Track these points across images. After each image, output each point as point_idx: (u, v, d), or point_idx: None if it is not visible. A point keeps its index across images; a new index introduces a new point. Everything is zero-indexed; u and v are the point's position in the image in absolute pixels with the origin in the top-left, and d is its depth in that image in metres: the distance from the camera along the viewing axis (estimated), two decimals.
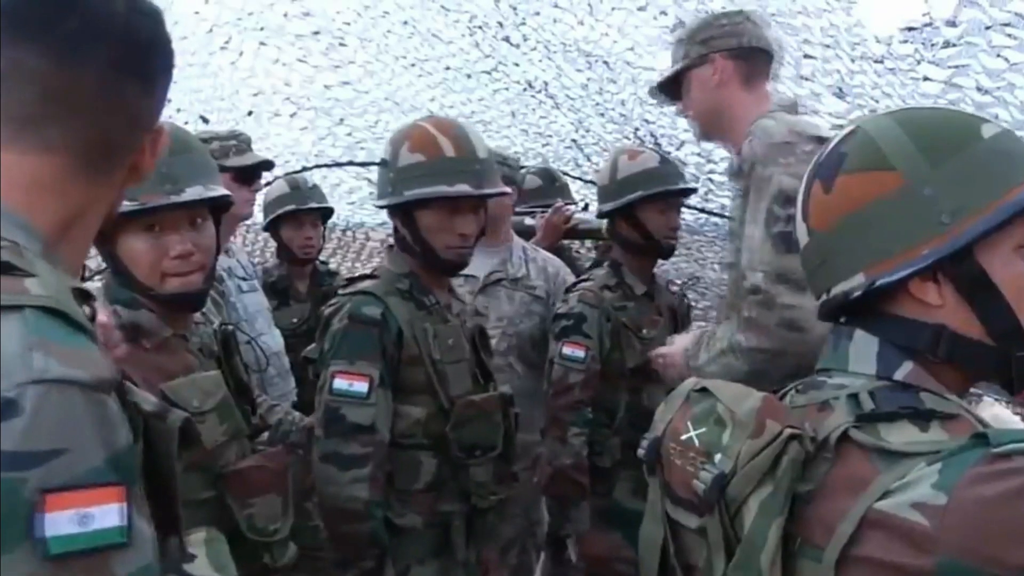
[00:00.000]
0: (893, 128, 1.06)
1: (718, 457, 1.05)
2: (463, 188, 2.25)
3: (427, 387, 2.25)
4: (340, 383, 2.16)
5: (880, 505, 0.93)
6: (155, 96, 0.95)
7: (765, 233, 2.08)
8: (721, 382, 1.15)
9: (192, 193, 1.78)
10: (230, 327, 2.05)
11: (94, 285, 1.90)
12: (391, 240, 2.48)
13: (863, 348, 1.08)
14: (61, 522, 0.70)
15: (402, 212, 2.31)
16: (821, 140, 2.04)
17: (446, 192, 2.24)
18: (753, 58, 2.32)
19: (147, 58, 0.93)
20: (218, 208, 1.91)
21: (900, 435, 0.97)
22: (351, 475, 2.12)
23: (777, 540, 0.98)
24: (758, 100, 2.28)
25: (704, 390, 1.14)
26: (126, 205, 1.67)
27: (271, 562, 1.83)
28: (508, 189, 2.60)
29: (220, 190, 1.86)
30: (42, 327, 0.75)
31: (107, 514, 0.73)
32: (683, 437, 1.11)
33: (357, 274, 2.42)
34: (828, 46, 3.72)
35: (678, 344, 2.38)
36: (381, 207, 2.40)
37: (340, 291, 2.35)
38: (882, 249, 1.04)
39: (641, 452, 1.20)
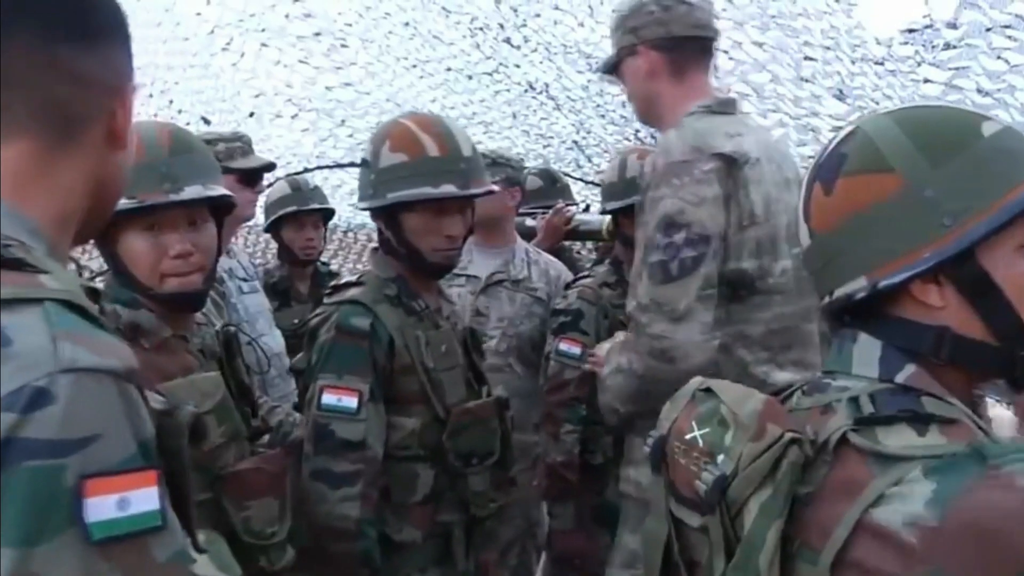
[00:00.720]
0: (892, 129, 1.05)
1: (720, 458, 1.05)
2: (449, 189, 2.13)
3: (421, 397, 2.15)
4: (328, 398, 2.07)
5: (875, 514, 0.94)
6: (101, 54, 0.90)
7: (643, 261, 2.04)
8: (725, 383, 1.15)
9: (191, 192, 1.76)
10: (232, 328, 2.02)
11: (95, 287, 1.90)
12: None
13: (866, 351, 1.08)
14: (102, 507, 0.70)
15: (386, 214, 2.19)
16: (723, 157, 2.00)
17: (431, 194, 2.12)
18: (684, 48, 2.17)
19: (81, 16, 0.88)
20: (220, 210, 1.89)
21: (897, 439, 0.97)
22: (341, 493, 2.03)
23: (775, 542, 0.99)
24: (688, 93, 2.16)
25: (708, 390, 1.14)
26: (125, 203, 1.65)
27: (268, 565, 1.80)
28: (495, 187, 2.43)
29: (220, 190, 1.84)
30: (64, 319, 0.74)
31: (144, 498, 0.73)
32: (687, 436, 1.11)
33: (343, 281, 2.29)
34: (829, 48, 3.73)
35: (604, 348, 2.29)
36: (363, 209, 2.29)
37: (326, 299, 2.22)
38: (884, 252, 1.04)
39: (646, 449, 1.21)
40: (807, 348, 2.13)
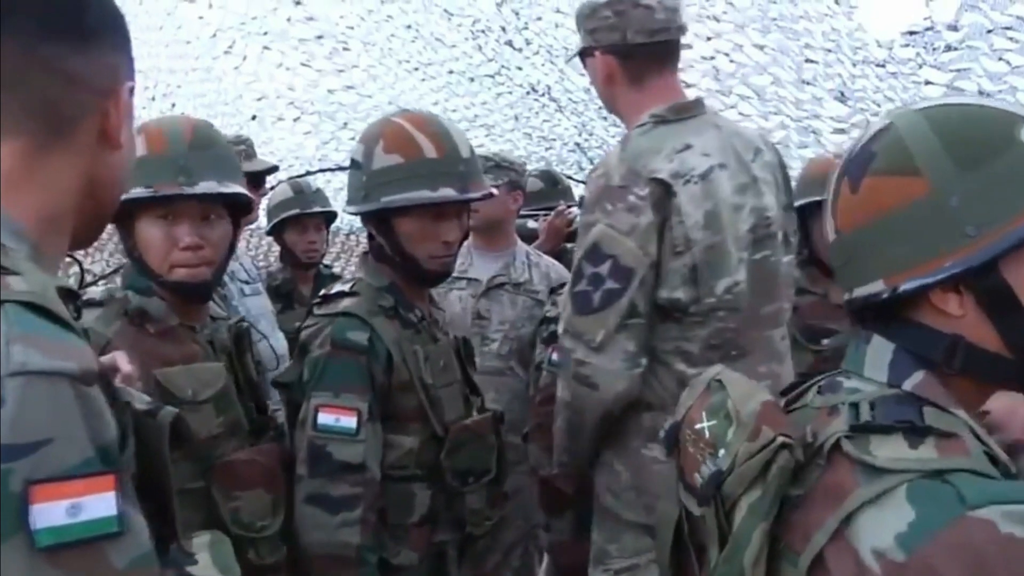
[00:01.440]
0: (924, 128, 1.03)
1: (721, 452, 1.05)
2: (447, 193, 2.00)
3: (419, 414, 2.05)
4: (325, 418, 1.94)
5: (851, 528, 0.94)
6: (93, 54, 0.89)
7: (569, 288, 2.06)
8: (735, 376, 1.16)
9: (204, 187, 1.80)
10: (244, 324, 2.04)
11: (97, 290, 1.93)
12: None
13: (878, 354, 1.07)
14: (49, 513, 0.69)
15: (378, 219, 2.07)
16: (659, 182, 1.98)
17: (429, 198, 2.00)
18: (640, 55, 2.11)
19: (74, 17, 0.88)
20: (237, 208, 1.93)
21: (889, 450, 0.97)
22: (340, 519, 1.91)
23: (760, 543, 1.00)
24: (647, 99, 2.12)
25: (720, 381, 1.14)
26: (141, 192, 1.73)
27: (256, 559, 1.79)
28: (494, 190, 2.30)
29: (235, 188, 1.86)
30: (23, 321, 0.74)
31: (99, 503, 0.72)
32: (697, 426, 1.11)
33: (334, 290, 2.13)
34: (830, 50, 3.73)
35: None
36: (354, 214, 2.16)
37: (316, 310, 2.08)
38: (904, 257, 1.02)
39: (661, 434, 1.21)
40: (763, 355, 2.11)
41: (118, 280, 1.94)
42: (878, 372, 1.06)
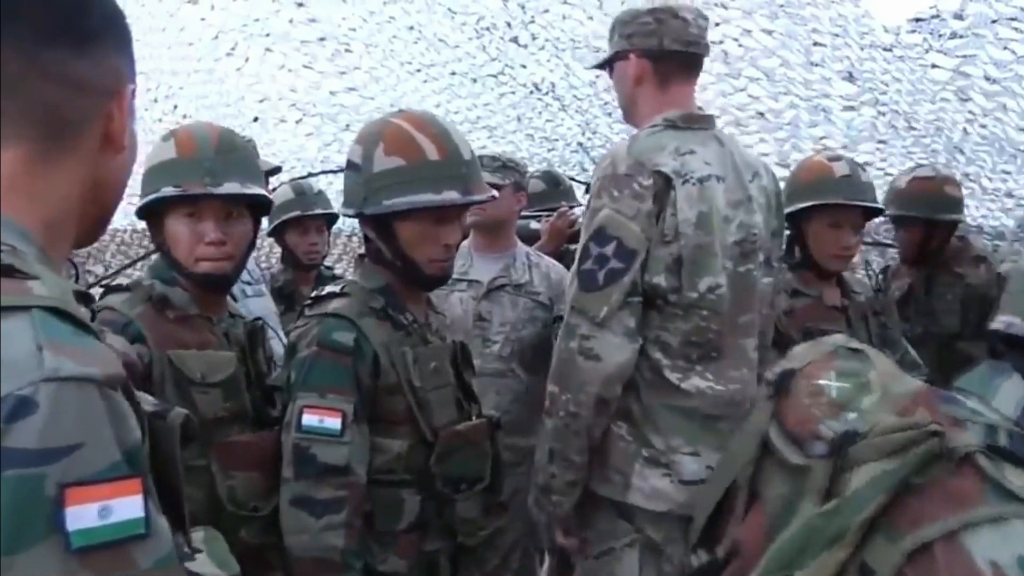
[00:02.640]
0: None
1: (852, 415, 1.08)
2: (451, 196, 2.00)
3: (407, 417, 2.03)
4: (309, 419, 1.94)
5: (969, 535, 0.96)
6: (94, 58, 0.89)
7: (576, 267, 2.15)
8: (876, 351, 1.19)
9: (228, 188, 1.94)
10: (260, 322, 2.16)
11: (97, 291, 1.98)
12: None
13: (1015, 392, 1.08)
14: (82, 516, 0.71)
15: (377, 222, 2.05)
16: (661, 175, 2.10)
17: (433, 201, 1.99)
18: (671, 60, 2.25)
19: (73, 20, 0.87)
20: (258, 208, 2.08)
21: (1020, 480, 1.00)
22: (324, 522, 1.90)
23: (875, 510, 1.02)
24: (667, 103, 2.25)
25: (859, 351, 1.17)
26: (171, 191, 1.91)
27: (248, 537, 1.88)
28: (496, 192, 2.29)
29: (257, 189, 2.00)
30: (50, 327, 0.75)
31: (127, 506, 0.74)
32: (820, 382, 1.14)
33: (325, 291, 2.12)
34: (837, 35, 3.74)
35: None
36: (352, 216, 2.14)
37: (307, 311, 2.09)
38: None
39: (770, 375, 1.24)
40: (737, 360, 2.21)
41: (121, 279, 2.12)
42: (1009, 407, 1.08)
